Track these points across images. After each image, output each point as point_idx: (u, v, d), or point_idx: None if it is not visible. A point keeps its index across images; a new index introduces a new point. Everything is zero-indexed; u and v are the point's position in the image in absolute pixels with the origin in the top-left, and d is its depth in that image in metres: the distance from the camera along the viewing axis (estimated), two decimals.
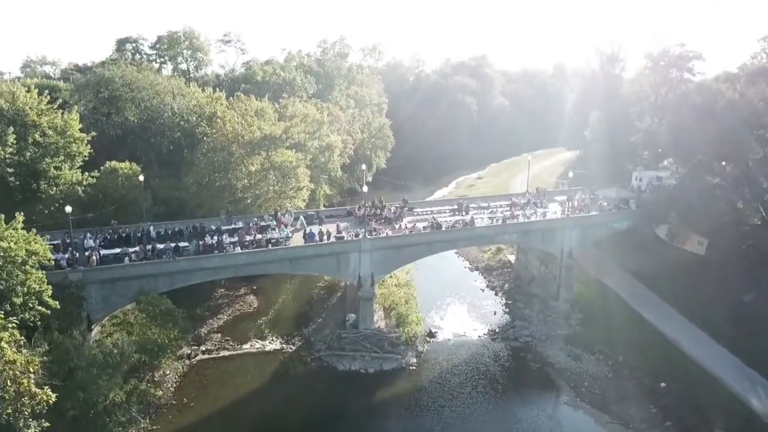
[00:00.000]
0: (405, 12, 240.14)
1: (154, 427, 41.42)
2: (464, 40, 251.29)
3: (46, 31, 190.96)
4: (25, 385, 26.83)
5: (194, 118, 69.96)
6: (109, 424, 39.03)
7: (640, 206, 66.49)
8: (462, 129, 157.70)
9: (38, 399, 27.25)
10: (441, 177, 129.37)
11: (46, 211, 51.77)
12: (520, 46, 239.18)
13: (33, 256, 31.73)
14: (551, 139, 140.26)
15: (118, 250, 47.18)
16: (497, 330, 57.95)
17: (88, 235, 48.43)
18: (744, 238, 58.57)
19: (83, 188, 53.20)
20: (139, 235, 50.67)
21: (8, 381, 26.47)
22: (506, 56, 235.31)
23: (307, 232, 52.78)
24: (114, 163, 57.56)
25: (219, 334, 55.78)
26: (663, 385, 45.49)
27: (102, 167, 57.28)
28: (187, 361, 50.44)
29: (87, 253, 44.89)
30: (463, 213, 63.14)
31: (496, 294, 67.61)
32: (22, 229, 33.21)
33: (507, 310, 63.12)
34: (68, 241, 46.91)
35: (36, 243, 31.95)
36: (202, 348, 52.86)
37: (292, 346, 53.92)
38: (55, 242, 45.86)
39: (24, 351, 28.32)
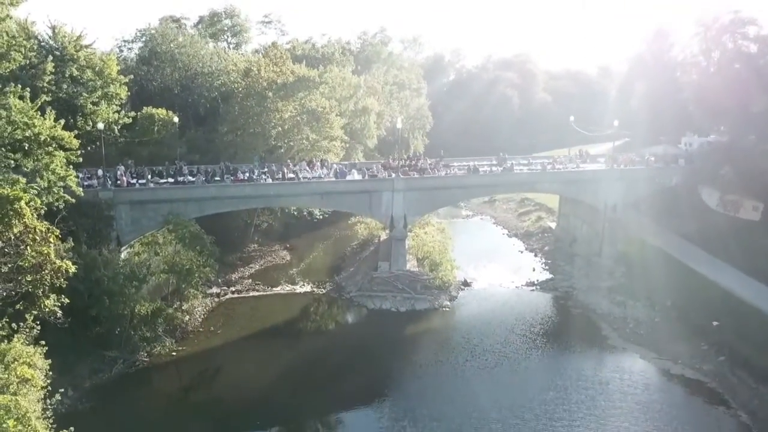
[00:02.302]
0: (445, 9, 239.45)
1: (180, 348, 40.60)
2: (506, 39, 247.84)
3: (99, 27, 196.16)
4: (45, 252, 26.23)
5: (231, 76, 70.13)
6: (134, 337, 38.58)
7: (689, 163, 63.06)
8: (504, 121, 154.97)
9: (57, 267, 26.57)
10: None
11: (81, 151, 52.00)
12: (563, 47, 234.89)
13: (56, 143, 31.34)
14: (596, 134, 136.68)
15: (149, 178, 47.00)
16: (536, 282, 55.54)
17: (120, 166, 48.40)
18: None
19: (119, 127, 53.31)
20: (172, 172, 50.45)
21: (28, 247, 25.93)
22: (549, 56, 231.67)
23: (338, 170, 51.68)
24: (150, 109, 57.84)
25: (249, 280, 55.08)
26: (715, 323, 42.23)
27: (139, 113, 57.52)
28: (216, 299, 49.80)
29: (118, 175, 44.83)
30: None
31: (536, 255, 65.15)
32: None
33: (546, 267, 60.67)
34: (100, 174, 46.97)
35: (61, 129, 31.61)
36: (232, 289, 52.25)
37: (322, 290, 52.76)
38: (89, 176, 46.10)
39: (45, 222, 27.82)
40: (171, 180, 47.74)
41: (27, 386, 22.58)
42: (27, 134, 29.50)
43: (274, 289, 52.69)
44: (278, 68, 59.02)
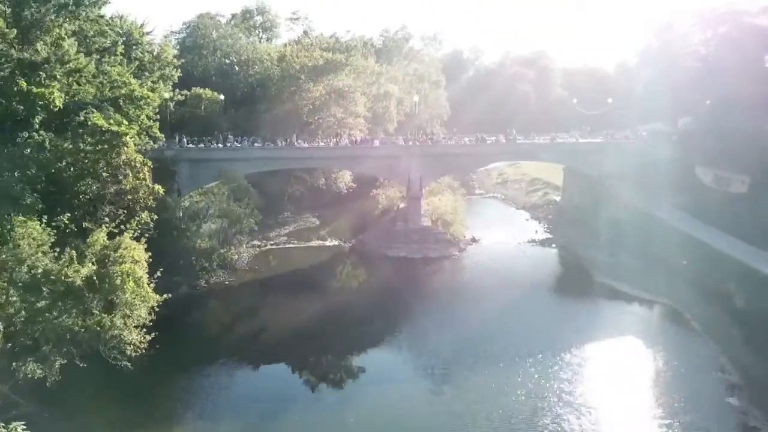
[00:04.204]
0: (465, 6, 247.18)
1: (230, 279, 48.75)
2: (524, 37, 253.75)
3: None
4: (142, 177, 34.27)
5: (265, 64, 78.29)
6: (195, 266, 46.67)
7: (683, 140, 69.30)
8: (521, 115, 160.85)
9: (151, 189, 34.57)
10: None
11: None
12: (580, 43, 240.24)
13: (143, 100, 39.54)
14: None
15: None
16: (537, 240, 62.68)
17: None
18: None
19: (173, 104, 61.71)
20: (221, 140, 58.63)
21: (129, 173, 33.97)
22: (566, 53, 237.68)
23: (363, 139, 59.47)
24: (198, 89, 66.28)
25: (285, 237, 63.24)
26: (684, 263, 49.03)
27: (188, 92, 65.90)
28: (258, 248, 57.79)
29: (177, 139, 53.19)
30: None
31: (540, 222, 72.14)
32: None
33: (548, 230, 67.67)
34: (164, 140, 55.07)
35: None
36: (271, 242, 60.38)
37: (348, 244, 60.66)
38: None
39: (140, 156, 35.79)
40: (220, 146, 55.90)
41: (137, 266, 30.48)
42: (123, 91, 37.69)
43: (306, 243, 60.77)
44: (309, 54, 67.07)
